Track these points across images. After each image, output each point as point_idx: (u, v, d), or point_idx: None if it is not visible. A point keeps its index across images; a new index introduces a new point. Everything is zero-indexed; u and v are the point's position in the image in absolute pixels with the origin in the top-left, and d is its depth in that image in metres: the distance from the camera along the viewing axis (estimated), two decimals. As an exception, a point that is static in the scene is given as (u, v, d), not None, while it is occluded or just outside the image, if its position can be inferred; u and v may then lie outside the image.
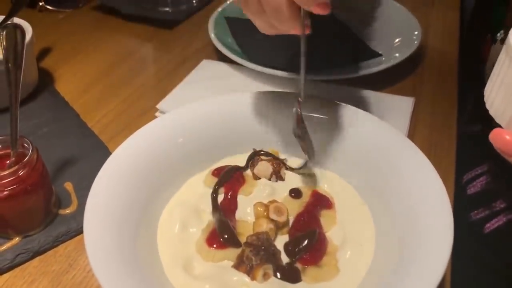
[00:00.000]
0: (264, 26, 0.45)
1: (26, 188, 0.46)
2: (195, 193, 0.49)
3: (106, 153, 0.58)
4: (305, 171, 0.50)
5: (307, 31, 0.44)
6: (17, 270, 0.47)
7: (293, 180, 0.50)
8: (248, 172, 0.51)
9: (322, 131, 0.51)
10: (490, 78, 0.35)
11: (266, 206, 0.45)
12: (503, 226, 0.59)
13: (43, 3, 0.95)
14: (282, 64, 0.68)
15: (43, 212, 0.50)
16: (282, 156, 0.52)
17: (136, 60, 0.81)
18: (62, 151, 0.59)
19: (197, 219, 0.46)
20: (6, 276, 0.46)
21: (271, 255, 0.41)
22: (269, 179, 0.49)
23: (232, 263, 0.42)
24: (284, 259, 0.42)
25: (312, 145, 0.48)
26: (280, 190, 0.48)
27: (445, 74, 0.73)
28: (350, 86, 0.68)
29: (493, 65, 0.57)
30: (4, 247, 0.48)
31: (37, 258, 0.48)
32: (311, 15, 0.42)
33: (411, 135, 0.61)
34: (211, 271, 0.41)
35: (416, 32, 0.77)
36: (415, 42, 0.73)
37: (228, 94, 0.55)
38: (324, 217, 0.46)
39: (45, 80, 0.73)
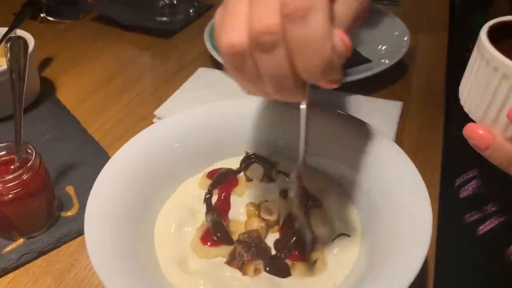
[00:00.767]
0: (256, 92, 0.38)
1: (29, 191, 0.49)
2: (190, 195, 0.51)
3: (106, 158, 0.60)
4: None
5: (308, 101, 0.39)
6: (21, 269, 0.49)
7: (283, 181, 0.52)
8: (241, 174, 0.53)
9: (309, 133, 0.53)
10: (464, 75, 0.37)
11: (258, 206, 0.48)
12: (495, 229, 0.60)
13: (44, 14, 0.98)
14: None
15: (46, 215, 0.52)
16: (273, 159, 0.54)
17: (134, 69, 0.83)
18: (63, 157, 0.61)
19: (192, 219, 0.48)
20: (11, 275, 0.49)
21: (261, 251, 0.44)
22: (261, 181, 0.52)
23: (225, 260, 0.44)
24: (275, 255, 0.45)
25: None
26: (271, 191, 0.51)
27: (433, 79, 0.76)
28: (341, 91, 0.70)
29: None
30: (9, 248, 0.50)
31: (41, 258, 0.51)
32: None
33: (399, 138, 0.64)
34: (205, 267, 0.44)
35: (405, 38, 0.79)
36: (403, 49, 0.76)
37: (222, 101, 0.57)
38: (313, 215, 0.48)
39: (47, 89, 0.76)
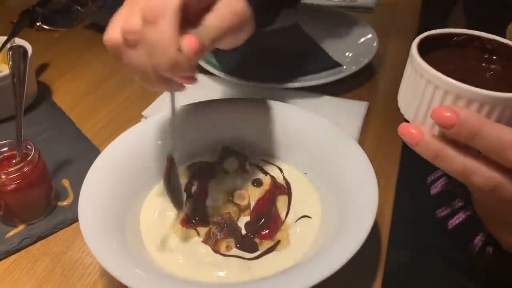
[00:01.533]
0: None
1: (30, 182, 0.55)
2: (173, 185, 0.58)
3: (98, 155, 0.66)
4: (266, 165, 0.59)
5: (181, 89, 0.49)
6: (22, 252, 0.56)
7: (255, 172, 0.59)
8: (218, 166, 0.60)
9: (280, 130, 0.60)
10: (401, 81, 0.44)
11: (232, 193, 0.54)
12: (463, 222, 0.66)
13: (40, 23, 1.04)
14: (253, 75, 0.77)
15: (44, 204, 0.58)
16: (246, 153, 0.61)
17: (124, 74, 0.89)
18: (60, 154, 0.67)
19: (173, 206, 0.55)
20: (13, 257, 0.55)
21: (233, 230, 0.50)
22: (236, 172, 0.58)
23: (201, 239, 0.51)
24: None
25: (181, 197, 0.53)
26: (245, 181, 0.57)
27: (397, 83, 0.82)
28: (312, 92, 0.77)
29: None
30: (11, 233, 0.57)
31: (40, 242, 0.57)
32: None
33: (363, 135, 0.71)
34: (184, 246, 0.50)
35: (374, 44, 0.86)
36: (371, 54, 0.83)
37: (201, 101, 0.64)
38: (280, 201, 0.55)
39: (43, 92, 0.82)
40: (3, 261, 0.55)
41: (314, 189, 0.56)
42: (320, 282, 0.40)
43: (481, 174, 0.36)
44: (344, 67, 0.82)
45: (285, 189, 0.56)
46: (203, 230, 0.51)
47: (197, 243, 0.50)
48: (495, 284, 0.61)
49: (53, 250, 0.56)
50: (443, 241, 0.69)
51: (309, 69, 0.81)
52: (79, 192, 0.51)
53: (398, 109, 0.77)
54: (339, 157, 0.54)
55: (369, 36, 0.89)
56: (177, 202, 0.51)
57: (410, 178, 0.68)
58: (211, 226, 0.51)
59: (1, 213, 0.57)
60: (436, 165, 0.39)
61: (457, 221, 0.66)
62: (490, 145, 0.35)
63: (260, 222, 0.52)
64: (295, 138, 0.59)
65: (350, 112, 0.73)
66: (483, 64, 0.40)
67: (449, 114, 0.35)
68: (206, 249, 0.49)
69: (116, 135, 0.58)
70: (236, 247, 0.50)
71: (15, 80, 0.57)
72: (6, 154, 0.57)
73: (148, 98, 0.79)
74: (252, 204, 0.54)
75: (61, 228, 0.58)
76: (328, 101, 0.76)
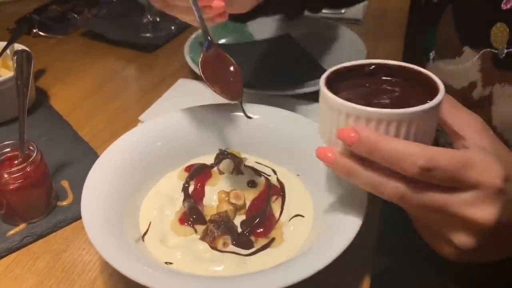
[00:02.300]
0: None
1: (31, 182, 0.57)
2: (170, 185, 0.60)
3: (96, 157, 0.67)
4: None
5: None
6: (24, 249, 0.57)
7: (250, 174, 0.61)
8: (215, 168, 0.62)
9: (273, 134, 0.62)
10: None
11: (228, 193, 0.56)
12: None
13: (36, 30, 1.06)
14: (247, 81, 0.79)
15: (45, 203, 0.60)
16: (242, 155, 0.63)
17: (120, 80, 0.92)
18: (58, 156, 0.69)
19: (171, 205, 0.57)
20: (15, 254, 0.56)
21: (229, 228, 0.52)
22: (231, 173, 0.61)
23: (199, 237, 0.53)
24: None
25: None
26: (240, 182, 0.59)
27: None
28: (303, 100, 0.79)
29: None
30: (13, 231, 0.58)
31: (40, 240, 0.58)
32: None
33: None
34: (182, 243, 0.52)
35: (363, 54, 0.90)
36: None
37: (197, 106, 0.66)
38: (274, 201, 0.57)
39: (41, 97, 0.84)
40: (5, 258, 0.56)
41: (306, 190, 0.59)
42: (311, 281, 0.42)
43: (388, 186, 0.40)
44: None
45: (278, 189, 0.59)
46: (200, 228, 0.53)
47: (195, 240, 0.52)
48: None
49: (54, 248, 0.57)
50: (413, 237, 0.72)
51: (301, 77, 0.84)
52: (78, 193, 0.53)
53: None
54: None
55: (358, 46, 0.92)
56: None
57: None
58: (208, 224, 0.53)
59: (3, 212, 0.58)
60: (349, 181, 0.43)
61: None
62: (388, 157, 0.39)
63: (255, 221, 0.54)
64: (288, 141, 0.62)
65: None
66: (388, 88, 0.45)
67: (350, 133, 0.39)
68: (204, 246, 0.52)
69: (113, 139, 0.60)
70: (233, 244, 0.52)
71: (19, 82, 0.59)
72: (9, 154, 0.59)
73: (144, 104, 0.81)
74: (248, 204, 0.57)
75: (61, 227, 0.60)
76: (317, 108, 0.78)
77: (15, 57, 0.61)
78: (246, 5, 0.61)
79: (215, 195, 0.58)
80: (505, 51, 0.52)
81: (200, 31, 0.97)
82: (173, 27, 1.07)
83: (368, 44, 0.93)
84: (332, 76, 0.45)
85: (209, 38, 0.57)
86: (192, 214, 0.55)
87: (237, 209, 0.56)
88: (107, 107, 0.82)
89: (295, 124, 0.62)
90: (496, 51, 0.53)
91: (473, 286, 0.65)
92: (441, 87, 0.42)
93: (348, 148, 0.41)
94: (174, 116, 0.65)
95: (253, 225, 0.54)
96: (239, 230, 0.54)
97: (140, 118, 0.77)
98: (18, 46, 0.82)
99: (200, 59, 0.58)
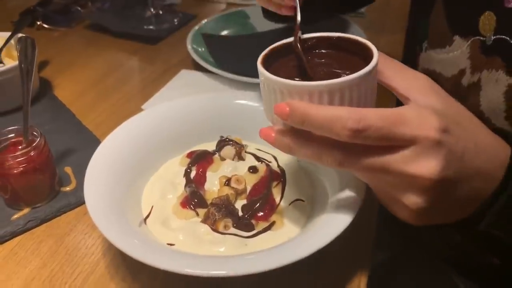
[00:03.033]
0: None
1: (35, 167, 0.58)
2: (172, 171, 0.60)
3: (99, 145, 0.69)
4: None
5: None
6: (27, 233, 0.58)
7: (251, 160, 0.62)
8: (216, 155, 0.62)
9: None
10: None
11: (229, 178, 0.57)
12: None
13: (40, 22, 1.07)
14: (247, 71, 0.80)
15: (48, 188, 0.61)
16: (243, 142, 0.64)
17: (124, 71, 0.93)
18: (62, 144, 0.70)
19: (173, 189, 0.57)
20: (19, 237, 0.57)
21: (230, 211, 0.53)
22: (232, 160, 0.61)
23: (200, 220, 0.53)
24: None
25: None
26: (241, 168, 0.60)
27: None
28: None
29: (422, 71, 0.69)
30: (17, 215, 0.59)
31: (44, 225, 0.59)
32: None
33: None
34: (184, 226, 0.53)
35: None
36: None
37: (199, 95, 0.67)
38: (275, 186, 0.58)
39: (45, 87, 0.85)
40: (9, 242, 0.57)
41: (307, 175, 0.59)
42: (311, 274, 0.43)
43: (326, 154, 0.41)
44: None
45: (279, 175, 0.59)
46: (202, 211, 0.54)
47: (196, 223, 0.53)
48: (476, 272, 0.64)
49: (57, 232, 0.58)
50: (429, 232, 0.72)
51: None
52: (82, 179, 0.53)
53: (391, 104, 0.81)
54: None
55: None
56: None
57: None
58: (210, 207, 0.53)
59: (7, 196, 0.59)
60: (293, 155, 0.44)
61: None
62: (319, 124, 0.39)
63: (256, 205, 0.55)
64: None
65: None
66: (325, 61, 0.46)
67: (284, 107, 0.40)
68: (205, 228, 0.52)
69: (116, 127, 0.61)
70: (234, 227, 0.52)
71: (22, 66, 0.60)
72: (13, 140, 0.60)
73: (147, 94, 0.82)
74: (248, 189, 0.57)
75: (64, 212, 0.61)
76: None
77: (19, 43, 0.61)
78: None
79: (217, 180, 0.58)
80: (493, 37, 0.53)
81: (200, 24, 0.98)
82: (175, 20, 1.07)
83: (370, 37, 0.93)
84: (270, 54, 0.46)
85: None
86: (193, 198, 0.55)
87: (238, 193, 0.56)
88: (110, 97, 0.83)
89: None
90: (484, 39, 0.54)
91: (472, 280, 0.65)
92: (375, 54, 0.42)
93: (287, 125, 0.42)
94: (176, 104, 0.66)
95: (254, 209, 0.54)
96: (240, 213, 0.54)
97: (143, 107, 0.77)
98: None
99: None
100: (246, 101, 0.66)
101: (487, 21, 0.54)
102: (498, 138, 0.44)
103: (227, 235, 0.52)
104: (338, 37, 0.46)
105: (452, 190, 0.40)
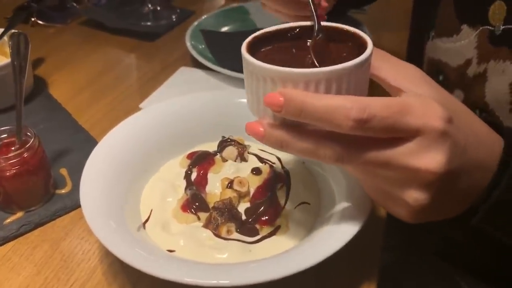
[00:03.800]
0: None
1: (28, 168, 0.55)
2: (172, 172, 0.58)
3: (95, 145, 0.66)
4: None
5: None
6: (21, 238, 0.55)
7: (254, 161, 0.59)
8: (217, 156, 0.60)
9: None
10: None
11: (231, 180, 0.55)
12: None
13: (35, 18, 1.04)
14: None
15: (42, 191, 0.58)
16: (245, 143, 0.62)
17: (121, 68, 0.90)
18: (57, 144, 0.67)
19: (173, 192, 0.55)
20: (12, 243, 0.55)
21: (233, 215, 0.51)
22: (235, 161, 0.59)
23: (202, 224, 0.51)
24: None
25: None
26: (244, 169, 0.58)
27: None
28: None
29: (428, 61, 0.67)
30: (9, 219, 0.56)
31: (38, 229, 0.56)
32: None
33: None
34: (185, 230, 0.51)
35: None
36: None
37: (199, 93, 0.65)
38: (279, 188, 0.55)
39: (40, 85, 0.82)
40: (2, 247, 0.54)
41: (312, 177, 0.57)
42: (319, 279, 0.41)
43: (323, 149, 0.37)
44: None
45: (284, 177, 0.57)
46: (203, 215, 0.52)
47: (197, 228, 0.51)
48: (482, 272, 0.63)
49: (52, 237, 0.56)
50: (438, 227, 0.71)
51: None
52: (77, 180, 0.51)
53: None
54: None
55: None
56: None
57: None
58: (212, 211, 0.51)
59: (0, 199, 0.56)
60: (285, 151, 0.40)
61: None
62: (319, 114, 0.35)
63: (260, 209, 0.52)
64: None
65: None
66: (319, 50, 0.42)
67: (277, 97, 0.36)
68: (207, 233, 0.50)
69: (113, 127, 0.59)
70: (237, 232, 0.50)
71: (15, 63, 0.58)
72: (6, 141, 0.58)
73: (145, 92, 0.80)
74: (252, 191, 0.55)
75: (60, 216, 0.58)
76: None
77: (11, 39, 0.59)
78: None
79: (218, 182, 0.56)
80: (502, 27, 0.53)
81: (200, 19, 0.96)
82: (173, 16, 1.05)
83: (373, 33, 0.91)
84: (254, 41, 0.42)
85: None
86: (194, 201, 0.53)
87: (241, 196, 0.54)
88: (107, 95, 0.81)
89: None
90: (493, 28, 0.53)
91: (481, 280, 0.64)
92: (369, 43, 0.39)
93: (278, 118, 0.38)
94: (176, 102, 0.63)
95: (258, 213, 0.52)
96: (243, 217, 0.52)
97: (140, 105, 0.75)
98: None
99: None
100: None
101: (497, 10, 0.53)
102: (492, 130, 0.42)
103: (230, 241, 0.49)
104: (327, 27, 0.43)
105: (453, 183, 0.38)
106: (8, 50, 0.78)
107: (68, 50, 0.96)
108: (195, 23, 0.94)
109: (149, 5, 1.05)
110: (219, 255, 0.48)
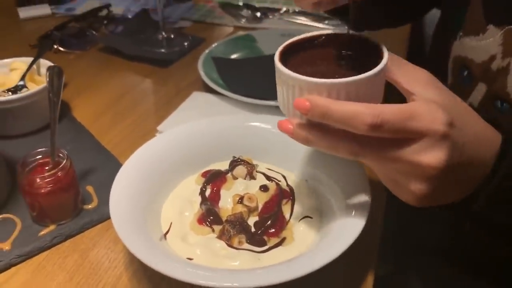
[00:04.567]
0: None
1: (61, 186, 0.62)
2: (189, 189, 0.65)
3: (117, 164, 0.73)
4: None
5: None
6: (53, 248, 0.62)
7: (262, 179, 0.66)
8: (229, 174, 0.67)
9: (283, 142, 0.67)
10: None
11: (241, 196, 0.61)
12: None
13: (57, 46, 1.12)
14: (257, 93, 0.85)
15: (72, 206, 0.65)
16: (254, 162, 0.68)
17: (138, 93, 0.97)
18: (83, 163, 0.74)
19: (190, 207, 0.62)
20: (46, 252, 0.61)
21: (244, 228, 0.57)
22: (244, 179, 0.65)
23: (216, 235, 0.58)
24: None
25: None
26: (252, 186, 0.64)
27: (392, 87, 0.90)
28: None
29: (454, 59, 0.70)
30: (43, 232, 0.63)
31: (69, 240, 0.63)
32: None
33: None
34: (201, 241, 0.57)
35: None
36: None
37: (212, 118, 0.71)
38: (284, 204, 0.62)
39: (64, 109, 0.89)
40: (37, 257, 0.61)
41: (314, 194, 0.64)
42: (317, 277, 0.47)
43: (342, 146, 0.44)
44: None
45: (289, 193, 0.63)
46: (217, 228, 0.58)
47: (212, 239, 0.57)
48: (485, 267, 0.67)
49: (81, 247, 0.62)
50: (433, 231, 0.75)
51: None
52: (103, 197, 0.58)
53: (399, 95, 0.84)
54: (336, 165, 0.61)
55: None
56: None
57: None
58: (224, 224, 0.58)
59: (35, 213, 0.63)
60: (310, 146, 0.47)
61: None
62: (340, 119, 0.42)
63: (268, 222, 0.59)
64: (296, 149, 0.66)
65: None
66: (338, 58, 0.49)
67: (304, 102, 0.43)
68: (221, 244, 0.56)
69: (132, 148, 0.65)
70: (247, 242, 0.57)
71: (51, 95, 0.65)
72: (40, 161, 0.64)
73: (160, 115, 0.86)
74: (260, 206, 0.61)
75: (87, 228, 0.65)
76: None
77: (47, 72, 0.67)
78: None
79: (230, 198, 0.62)
80: None
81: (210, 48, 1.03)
82: (186, 43, 1.12)
83: (374, 34, 0.96)
84: (286, 50, 0.49)
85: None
86: (209, 215, 0.59)
87: (250, 211, 0.60)
88: (126, 118, 0.88)
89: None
90: None
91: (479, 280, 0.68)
92: (385, 52, 0.46)
93: (305, 118, 0.45)
94: (191, 126, 0.70)
95: (266, 226, 0.58)
96: (253, 230, 0.59)
97: (158, 128, 0.82)
98: (42, 61, 0.88)
99: None
100: (256, 123, 0.70)
101: None
102: (492, 128, 0.48)
103: (241, 250, 0.56)
104: (349, 36, 0.50)
105: (452, 176, 0.44)
106: (37, 77, 0.86)
107: (88, 75, 1.03)
108: (206, 51, 1.01)
109: (163, 33, 1.12)
110: (231, 263, 0.54)
